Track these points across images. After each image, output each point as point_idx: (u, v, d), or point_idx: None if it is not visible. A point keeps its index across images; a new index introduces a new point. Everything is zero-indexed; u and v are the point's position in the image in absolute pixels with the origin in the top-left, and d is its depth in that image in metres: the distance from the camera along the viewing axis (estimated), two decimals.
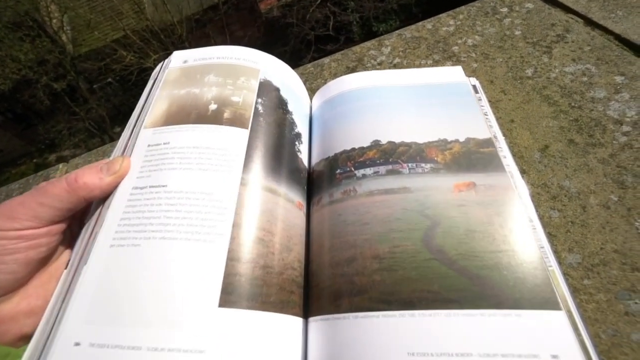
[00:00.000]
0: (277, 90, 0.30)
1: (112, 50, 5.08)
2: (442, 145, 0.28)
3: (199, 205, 0.22)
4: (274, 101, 0.29)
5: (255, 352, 0.20)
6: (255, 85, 0.29)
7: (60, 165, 0.52)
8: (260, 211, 0.23)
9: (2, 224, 0.20)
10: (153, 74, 0.33)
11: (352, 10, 5.52)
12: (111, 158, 0.26)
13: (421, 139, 0.28)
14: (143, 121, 0.27)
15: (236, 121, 0.26)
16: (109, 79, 5.73)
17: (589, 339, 0.21)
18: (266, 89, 0.29)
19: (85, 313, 0.19)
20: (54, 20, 5.18)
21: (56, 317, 0.20)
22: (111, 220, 0.22)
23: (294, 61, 5.24)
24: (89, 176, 0.23)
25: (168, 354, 0.18)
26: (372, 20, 5.59)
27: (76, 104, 5.49)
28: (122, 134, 0.28)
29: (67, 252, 0.24)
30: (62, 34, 5.39)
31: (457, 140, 0.28)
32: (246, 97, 0.28)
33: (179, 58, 0.31)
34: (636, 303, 0.24)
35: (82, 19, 5.31)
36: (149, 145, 0.25)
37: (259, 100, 0.28)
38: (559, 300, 0.22)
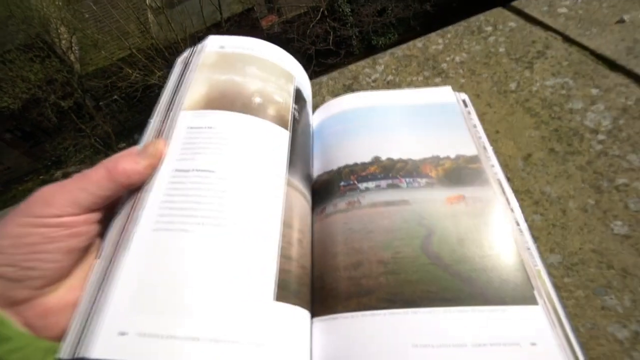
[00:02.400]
0: (305, 101, 0.31)
1: (118, 69, 5.23)
2: (435, 161, 0.31)
3: (252, 198, 0.22)
4: (303, 111, 0.30)
5: (299, 346, 0.21)
6: (292, 91, 0.29)
7: None
8: (299, 214, 0.24)
9: (41, 210, 0.19)
10: (181, 58, 0.31)
11: (351, 25, 5.66)
12: (143, 142, 0.25)
13: (416, 156, 0.31)
14: (182, 103, 0.26)
15: (280, 120, 0.26)
16: (115, 96, 5.87)
17: (569, 329, 0.23)
18: (299, 98, 0.30)
19: (131, 300, 0.18)
20: (63, 41, 5.36)
21: (92, 307, 0.19)
22: (152, 202, 0.21)
23: None
24: (127, 162, 0.22)
25: (228, 346, 0.17)
26: (371, 34, 5.72)
27: (82, 121, 5.61)
28: (152, 118, 0.26)
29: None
30: (71, 53, 5.56)
31: (448, 157, 0.31)
32: (286, 99, 0.28)
33: (216, 42, 0.30)
34: (612, 298, 0.26)
35: (89, 39, 5.48)
36: (190, 128, 0.24)
37: (294, 106, 0.28)
38: (537, 296, 0.24)
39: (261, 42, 0.31)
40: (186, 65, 0.30)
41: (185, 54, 0.31)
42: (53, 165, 6.46)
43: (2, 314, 0.18)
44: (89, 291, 0.20)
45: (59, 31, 5.28)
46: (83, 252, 0.21)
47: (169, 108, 0.26)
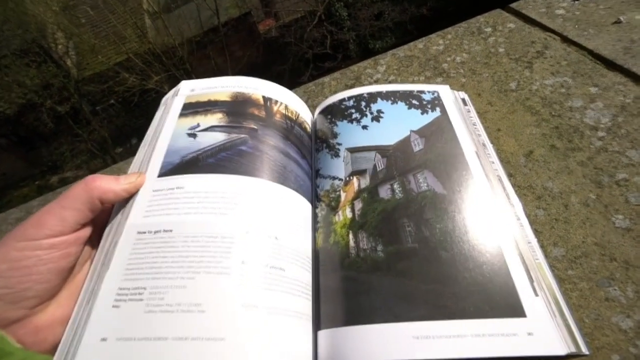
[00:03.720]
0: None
1: (115, 73, 5.21)
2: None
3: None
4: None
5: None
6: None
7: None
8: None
9: (34, 233, 0.21)
10: (163, 99, 0.38)
11: (348, 29, 5.69)
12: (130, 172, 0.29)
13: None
14: (155, 146, 0.32)
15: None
16: (112, 101, 5.85)
17: (570, 320, 0.23)
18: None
19: (111, 310, 0.22)
20: (60, 46, 5.34)
21: (79, 318, 0.22)
22: (135, 213, 0.27)
23: (293, 79, 5.36)
24: (105, 179, 0.25)
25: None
26: (368, 38, 5.76)
27: (79, 126, 5.58)
28: (138, 153, 0.32)
29: (89, 263, 0.25)
30: (67, 58, 5.54)
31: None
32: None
33: (187, 87, 0.38)
34: (615, 290, 0.26)
35: (86, 44, 5.47)
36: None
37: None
38: (537, 288, 0.25)
39: (228, 79, 0.37)
40: (165, 108, 0.36)
41: (166, 96, 0.38)
42: (49, 171, 6.41)
43: (2, 332, 0.19)
44: (78, 305, 0.22)
45: (56, 36, 5.26)
46: (69, 272, 0.23)
47: (146, 148, 0.31)
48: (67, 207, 0.23)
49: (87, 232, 0.24)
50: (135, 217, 0.26)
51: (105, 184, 0.24)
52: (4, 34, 4.91)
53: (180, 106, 0.35)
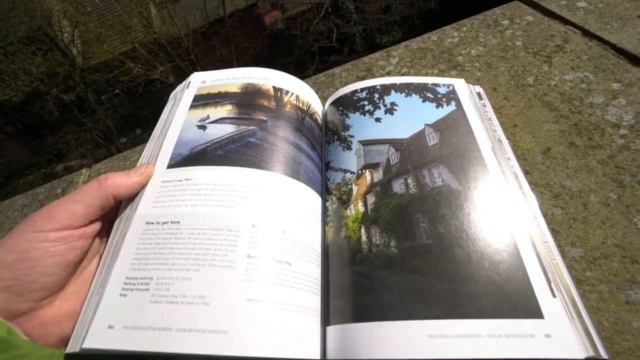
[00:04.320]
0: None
1: (120, 63, 5.21)
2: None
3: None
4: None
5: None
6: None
7: (84, 170, 0.55)
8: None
9: (43, 225, 0.21)
10: (173, 93, 0.38)
11: (355, 22, 5.63)
12: (139, 164, 0.30)
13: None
14: (165, 134, 0.32)
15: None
16: (117, 91, 5.85)
17: (589, 322, 0.23)
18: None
19: (118, 299, 0.23)
20: (65, 35, 5.34)
21: (89, 307, 0.22)
22: (143, 206, 0.27)
23: (299, 72, 5.32)
24: (117, 176, 0.25)
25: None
26: (375, 32, 5.69)
27: (84, 115, 5.60)
28: (147, 145, 0.32)
29: (97, 258, 0.26)
30: (73, 47, 5.54)
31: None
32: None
33: (198, 79, 0.38)
34: (636, 293, 0.26)
35: (92, 32, 5.46)
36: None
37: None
38: (554, 289, 0.24)
39: (239, 71, 0.37)
40: (175, 100, 0.36)
41: (176, 89, 0.37)
42: (54, 159, 6.46)
43: (9, 324, 0.19)
44: (90, 295, 0.23)
45: (62, 24, 5.25)
46: (76, 267, 0.24)
47: (156, 140, 0.32)
48: (78, 202, 0.23)
49: (95, 227, 0.25)
50: (144, 207, 0.26)
51: (117, 180, 0.25)
52: (10, 21, 4.91)
53: (191, 98, 0.35)
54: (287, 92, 0.36)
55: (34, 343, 0.19)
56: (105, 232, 0.26)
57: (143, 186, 0.27)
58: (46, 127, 6.17)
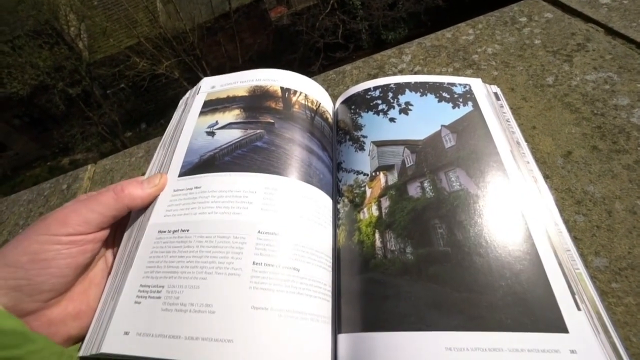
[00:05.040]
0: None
1: (125, 57, 5.22)
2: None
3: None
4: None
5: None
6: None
7: (89, 166, 0.54)
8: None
9: (57, 229, 0.22)
10: (183, 99, 0.38)
11: (361, 18, 5.58)
12: (149, 173, 0.30)
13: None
14: (177, 141, 0.32)
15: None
16: (122, 85, 5.87)
17: (615, 337, 0.21)
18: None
19: (133, 306, 0.23)
20: (72, 28, 5.35)
21: (105, 313, 0.22)
22: (156, 213, 0.27)
23: (303, 68, 5.30)
24: (132, 187, 0.26)
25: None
26: (381, 28, 5.64)
27: (90, 109, 5.63)
28: (157, 151, 0.32)
29: (102, 260, 0.26)
30: (79, 41, 5.56)
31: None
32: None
33: (208, 84, 0.38)
34: None
35: (98, 27, 5.47)
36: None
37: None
38: (578, 301, 0.23)
39: (246, 74, 0.36)
40: (185, 107, 0.35)
41: (186, 95, 0.37)
42: (60, 152, 6.51)
43: (21, 322, 0.20)
44: (104, 300, 0.23)
45: (68, 18, 5.27)
46: (85, 268, 0.24)
47: (168, 148, 0.31)
48: (94, 211, 0.24)
49: (106, 232, 0.25)
50: (157, 216, 0.26)
51: (133, 191, 0.26)
52: (18, 15, 4.93)
53: (201, 104, 0.35)
54: (295, 92, 0.35)
55: (48, 339, 0.20)
56: (112, 236, 0.27)
57: (156, 197, 0.28)
58: (52, 121, 6.21)
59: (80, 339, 0.22)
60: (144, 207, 0.27)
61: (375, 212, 0.28)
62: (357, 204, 0.30)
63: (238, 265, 0.23)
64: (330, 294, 0.26)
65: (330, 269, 0.27)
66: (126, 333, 0.21)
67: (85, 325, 0.23)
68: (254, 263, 0.23)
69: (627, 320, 0.24)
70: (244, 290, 0.22)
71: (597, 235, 0.29)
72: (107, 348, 0.20)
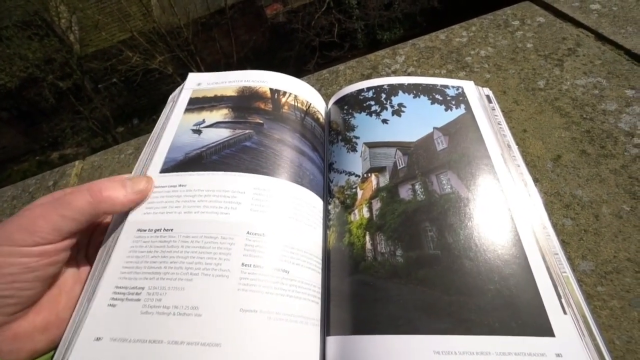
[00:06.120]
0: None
1: (118, 51, 5.13)
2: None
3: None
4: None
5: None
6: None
7: (77, 162, 0.53)
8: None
9: (23, 239, 0.19)
10: (171, 96, 0.36)
11: (357, 18, 5.58)
12: (135, 172, 0.27)
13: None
14: (159, 142, 0.31)
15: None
16: (114, 79, 5.77)
17: (600, 341, 0.22)
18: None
19: (106, 309, 0.22)
20: (63, 20, 5.24)
21: (77, 319, 0.21)
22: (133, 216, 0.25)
23: (298, 66, 5.28)
24: (113, 190, 0.22)
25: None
26: (376, 28, 5.64)
27: (81, 103, 5.52)
28: (144, 149, 0.30)
29: (73, 264, 0.24)
30: (70, 33, 5.45)
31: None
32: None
33: (194, 81, 0.37)
34: None
35: (90, 19, 5.37)
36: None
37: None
38: (564, 305, 0.23)
39: (235, 74, 0.36)
40: (172, 104, 0.34)
41: (174, 92, 0.36)
42: (50, 147, 6.38)
43: None
44: (79, 304, 0.22)
45: (59, 9, 5.15)
46: (56, 277, 0.22)
47: (152, 144, 0.30)
48: (66, 217, 0.20)
49: (78, 236, 0.22)
50: (136, 213, 0.24)
51: (113, 195, 0.22)
52: (5, 4, 4.80)
53: (187, 100, 0.34)
54: (284, 93, 0.35)
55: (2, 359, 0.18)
56: (86, 237, 0.25)
57: (138, 203, 0.25)
58: (42, 114, 6.08)
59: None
60: (124, 213, 0.25)
61: (366, 214, 0.28)
62: (348, 206, 0.29)
63: (226, 266, 0.22)
64: (319, 296, 0.26)
65: (320, 271, 0.27)
66: (98, 339, 0.19)
67: (55, 338, 0.21)
68: (243, 264, 0.22)
69: (612, 323, 0.25)
70: (232, 292, 0.21)
71: (585, 239, 0.29)
72: (75, 356, 0.19)
